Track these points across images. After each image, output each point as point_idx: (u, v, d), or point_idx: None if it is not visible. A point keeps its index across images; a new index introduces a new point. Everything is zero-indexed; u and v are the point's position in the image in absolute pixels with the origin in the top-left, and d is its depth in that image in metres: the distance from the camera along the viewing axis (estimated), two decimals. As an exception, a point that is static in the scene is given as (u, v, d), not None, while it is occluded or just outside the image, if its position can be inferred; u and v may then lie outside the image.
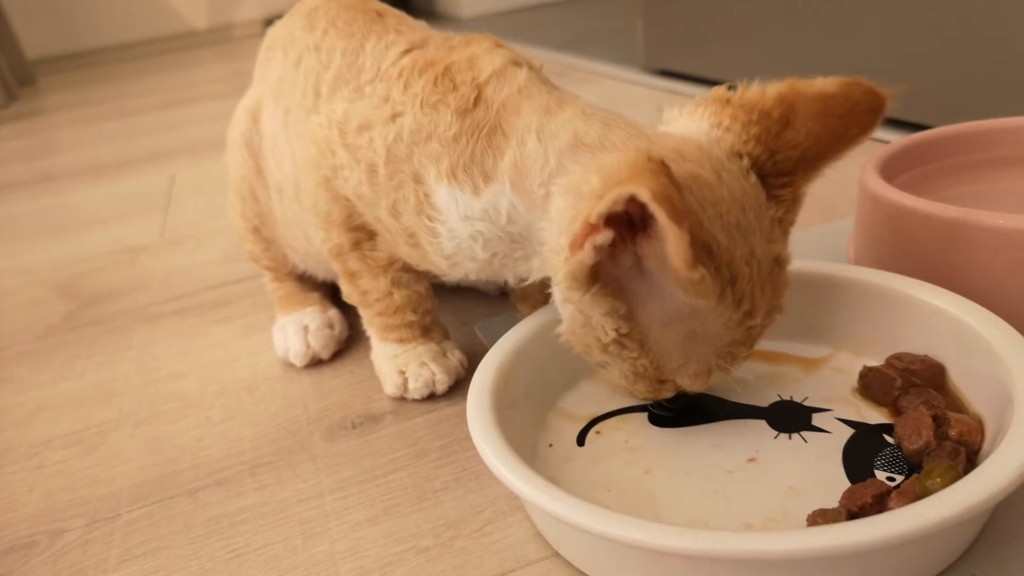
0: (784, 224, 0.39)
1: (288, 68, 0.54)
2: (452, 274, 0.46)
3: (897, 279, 0.45)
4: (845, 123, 0.37)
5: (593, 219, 0.33)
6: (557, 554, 0.38)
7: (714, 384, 0.41)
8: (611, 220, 0.33)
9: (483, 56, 0.44)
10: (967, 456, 0.36)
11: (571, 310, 0.39)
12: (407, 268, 0.50)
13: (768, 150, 0.38)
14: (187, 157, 1.27)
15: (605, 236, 0.33)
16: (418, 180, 0.43)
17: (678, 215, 0.30)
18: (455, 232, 0.43)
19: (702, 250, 0.34)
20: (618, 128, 0.40)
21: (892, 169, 0.55)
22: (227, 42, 2.56)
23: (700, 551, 0.30)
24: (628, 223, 0.34)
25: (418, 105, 0.43)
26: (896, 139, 0.58)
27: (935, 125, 0.60)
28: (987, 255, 0.45)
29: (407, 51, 0.48)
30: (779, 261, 0.38)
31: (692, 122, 0.40)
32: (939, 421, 0.38)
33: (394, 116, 0.44)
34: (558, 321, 0.41)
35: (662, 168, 0.32)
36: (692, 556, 0.31)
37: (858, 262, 0.55)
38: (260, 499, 0.46)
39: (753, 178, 0.38)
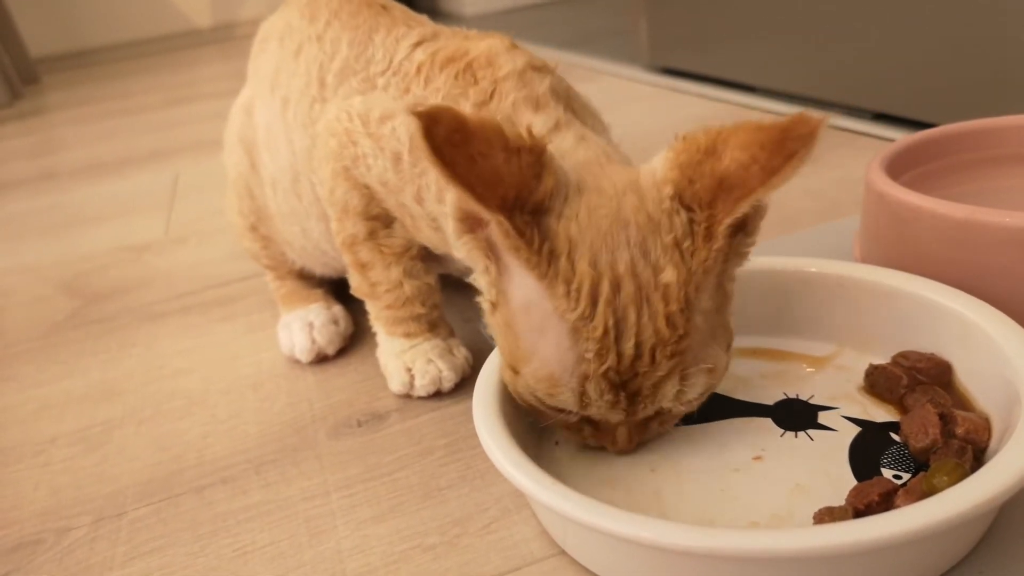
0: (694, 258, 0.35)
1: (286, 58, 0.55)
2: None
3: (903, 277, 0.45)
4: (771, 152, 0.34)
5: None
6: (563, 552, 0.38)
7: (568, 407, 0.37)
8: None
9: (503, 54, 0.45)
10: (974, 454, 0.36)
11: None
12: (419, 257, 0.51)
13: (687, 177, 0.36)
14: (191, 155, 1.27)
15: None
16: None
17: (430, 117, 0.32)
18: None
19: (539, 236, 0.35)
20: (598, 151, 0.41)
21: (897, 167, 0.55)
22: (230, 40, 2.56)
23: (707, 549, 0.30)
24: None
25: (439, 98, 0.45)
26: (901, 137, 0.58)
27: (940, 123, 0.60)
28: (993, 253, 0.45)
29: (419, 43, 0.49)
30: (664, 290, 0.35)
31: (656, 161, 0.39)
32: (946, 419, 0.38)
33: (416, 106, 0.45)
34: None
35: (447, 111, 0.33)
36: (699, 554, 0.31)
37: (864, 260, 0.55)
38: (266, 497, 0.46)
39: (666, 204, 0.36)
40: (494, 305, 0.39)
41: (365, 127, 0.47)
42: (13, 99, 2.00)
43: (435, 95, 0.45)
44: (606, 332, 0.35)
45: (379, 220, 0.50)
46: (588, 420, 0.39)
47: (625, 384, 0.36)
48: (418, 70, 0.47)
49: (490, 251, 0.38)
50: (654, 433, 0.40)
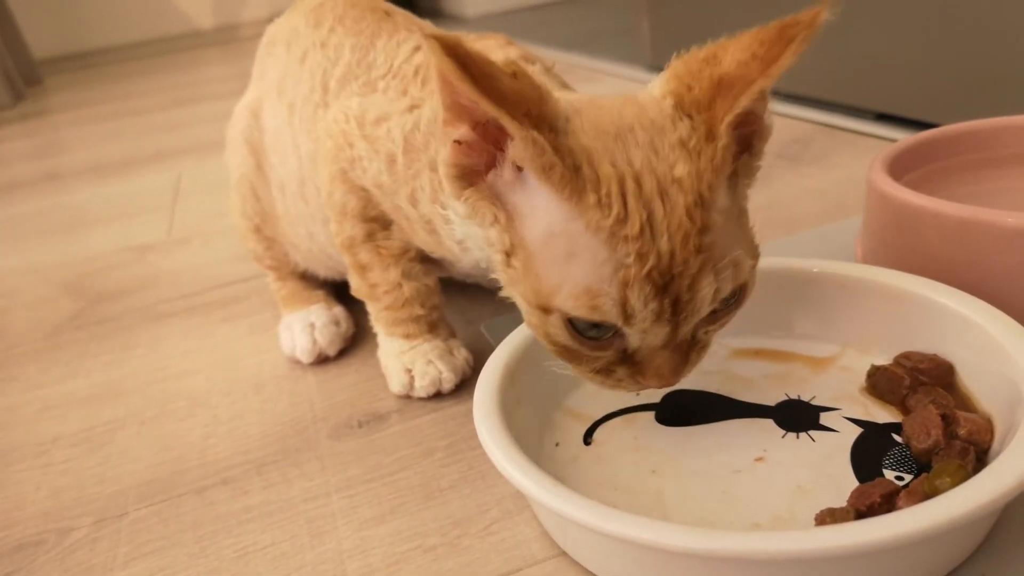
0: (701, 156, 0.34)
1: (292, 64, 0.55)
2: (464, 260, 0.47)
3: (905, 278, 0.45)
4: (769, 45, 0.34)
5: (442, 111, 0.35)
6: (564, 553, 0.38)
7: (608, 314, 0.35)
8: (489, 132, 0.35)
9: (495, 50, 0.46)
10: (976, 455, 0.36)
11: (482, 236, 0.39)
12: (418, 259, 0.51)
13: (685, 85, 0.36)
14: (193, 156, 1.27)
15: (463, 132, 0.35)
16: (434, 168, 0.44)
17: (462, 57, 0.31)
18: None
19: (565, 153, 0.34)
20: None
21: (900, 167, 0.55)
22: (232, 42, 2.56)
23: (708, 551, 0.30)
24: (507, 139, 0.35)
25: (435, 99, 0.44)
26: (904, 137, 0.58)
27: (943, 124, 0.60)
28: (996, 254, 0.45)
29: (419, 47, 0.49)
30: (679, 183, 0.34)
31: (650, 85, 0.39)
32: (948, 420, 0.38)
33: (412, 107, 0.45)
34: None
35: (443, 35, 0.32)
36: (700, 556, 0.31)
37: (866, 260, 0.55)
38: (267, 498, 0.46)
39: (668, 111, 0.36)
40: (508, 254, 0.37)
41: (360, 129, 0.47)
42: (16, 100, 2.00)
43: (431, 97, 0.45)
44: (642, 229, 0.33)
45: (377, 222, 0.50)
46: (624, 358, 0.38)
47: (667, 287, 0.34)
48: (416, 72, 0.47)
49: (495, 199, 0.37)
50: (691, 364, 0.39)
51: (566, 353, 0.38)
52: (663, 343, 0.36)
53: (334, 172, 0.49)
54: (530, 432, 0.42)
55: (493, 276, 0.42)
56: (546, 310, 0.36)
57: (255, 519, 0.44)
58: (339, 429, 0.51)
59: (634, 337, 0.36)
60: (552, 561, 0.38)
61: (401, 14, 0.54)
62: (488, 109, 0.32)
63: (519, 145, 0.33)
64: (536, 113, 0.33)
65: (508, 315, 0.59)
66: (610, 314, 0.35)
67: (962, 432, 0.37)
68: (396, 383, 0.52)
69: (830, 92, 0.96)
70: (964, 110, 0.77)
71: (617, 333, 0.36)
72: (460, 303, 0.64)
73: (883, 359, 0.44)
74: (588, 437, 0.43)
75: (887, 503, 0.34)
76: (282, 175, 0.57)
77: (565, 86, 0.47)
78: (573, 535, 0.37)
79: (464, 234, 0.44)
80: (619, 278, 0.34)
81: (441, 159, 0.37)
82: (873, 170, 0.53)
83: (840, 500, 0.36)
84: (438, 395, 0.52)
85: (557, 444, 0.43)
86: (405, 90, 0.47)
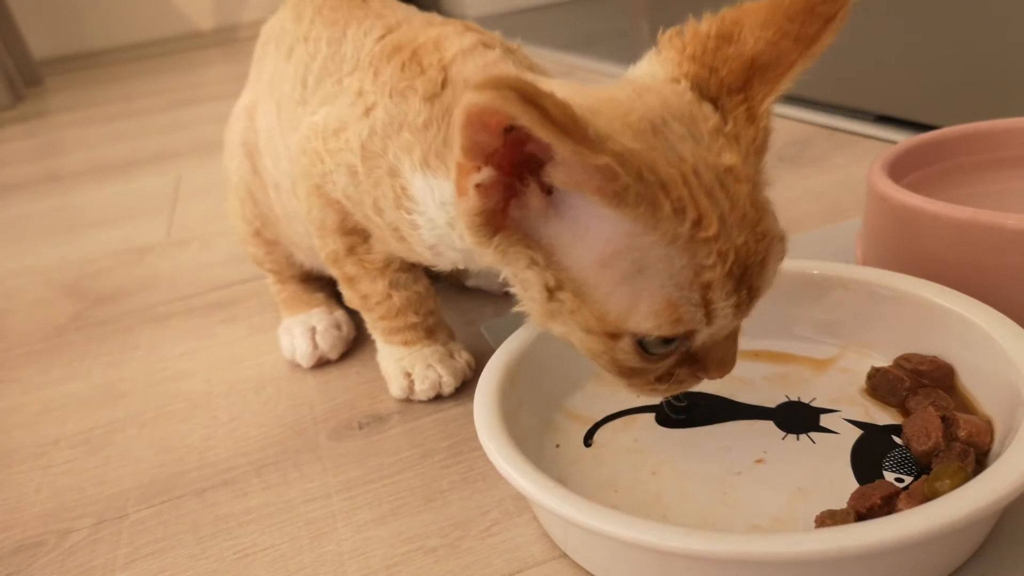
0: (740, 140, 0.33)
1: (280, 61, 0.54)
2: (439, 264, 0.46)
3: (905, 279, 0.45)
4: (801, 22, 0.33)
5: (460, 158, 0.31)
6: (564, 555, 0.38)
7: (694, 324, 0.33)
8: (502, 161, 0.31)
9: (451, 36, 0.43)
10: (976, 457, 0.36)
11: (510, 275, 0.37)
12: (404, 268, 0.50)
13: (707, 67, 0.34)
14: (193, 157, 1.27)
15: (485, 174, 0.32)
16: (394, 174, 0.42)
17: (527, 96, 0.26)
18: (434, 222, 0.42)
19: (615, 158, 0.30)
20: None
21: (900, 169, 0.55)
22: (232, 43, 2.57)
23: (708, 552, 0.30)
24: (526, 162, 0.32)
25: (387, 95, 0.42)
26: (903, 139, 0.58)
27: (943, 126, 0.60)
28: (996, 256, 0.45)
29: (383, 36, 0.46)
30: (732, 172, 0.32)
31: (645, 67, 0.37)
32: (948, 422, 0.38)
33: (367, 110, 0.43)
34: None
35: (506, 78, 0.27)
36: (699, 558, 0.31)
37: (866, 262, 0.55)
38: (267, 499, 0.46)
39: (688, 96, 0.34)
40: (552, 291, 0.34)
41: (324, 143, 0.46)
42: (16, 101, 2.00)
43: (383, 89, 0.42)
44: (719, 229, 0.32)
45: (357, 235, 0.49)
46: (685, 359, 0.36)
47: (742, 278, 0.33)
48: (370, 64, 0.45)
49: (525, 237, 0.34)
50: (736, 349, 0.38)
51: (628, 372, 0.36)
52: (728, 333, 0.35)
53: (309, 187, 0.48)
54: (530, 434, 0.42)
55: (473, 277, 0.40)
56: (615, 335, 0.34)
57: (255, 520, 0.44)
58: (339, 430, 0.51)
59: (704, 334, 0.35)
60: (552, 563, 0.38)
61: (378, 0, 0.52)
62: (565, 149, 0.28)
63: (582, 172, 0.30)
64: (592, 132, 0.29)
65: (508, 316, 0.59)
66: (692, 321, 0.33)
67: (962, 434, 0.37)
68: (396, 387, 0.52)
69: (830, 94, 0.96)
70: (964, 112, 0.77)
71: (685, 337, 0.35)
72: (460, 304, 0.64)
73: (883, 361, 0.44)
74: (588, 439, 0.44)
75: (887, 505, 0.34)
76: (275, 175, 0.57)
77: (532, 67, 0.45)
78: (573, 537, 0.37)
79: (435, 238, 0.43)
80: (701, 281, 0.32)
81: (463, 212, 0.33)
82: (873, 172, 0.53)
83: (840, 502, 0.36)
84: (439, 397, 0.52)
85: (557, 446, 0.43)
86: (361, 88, 0.44)
